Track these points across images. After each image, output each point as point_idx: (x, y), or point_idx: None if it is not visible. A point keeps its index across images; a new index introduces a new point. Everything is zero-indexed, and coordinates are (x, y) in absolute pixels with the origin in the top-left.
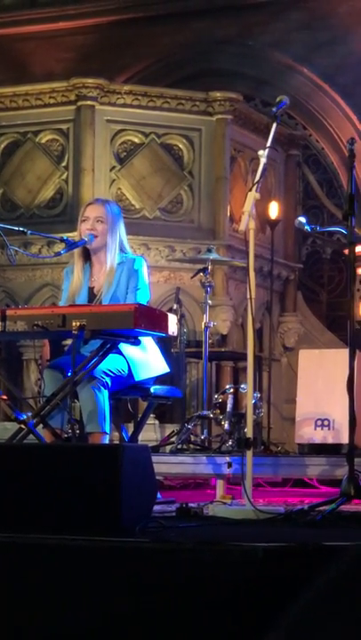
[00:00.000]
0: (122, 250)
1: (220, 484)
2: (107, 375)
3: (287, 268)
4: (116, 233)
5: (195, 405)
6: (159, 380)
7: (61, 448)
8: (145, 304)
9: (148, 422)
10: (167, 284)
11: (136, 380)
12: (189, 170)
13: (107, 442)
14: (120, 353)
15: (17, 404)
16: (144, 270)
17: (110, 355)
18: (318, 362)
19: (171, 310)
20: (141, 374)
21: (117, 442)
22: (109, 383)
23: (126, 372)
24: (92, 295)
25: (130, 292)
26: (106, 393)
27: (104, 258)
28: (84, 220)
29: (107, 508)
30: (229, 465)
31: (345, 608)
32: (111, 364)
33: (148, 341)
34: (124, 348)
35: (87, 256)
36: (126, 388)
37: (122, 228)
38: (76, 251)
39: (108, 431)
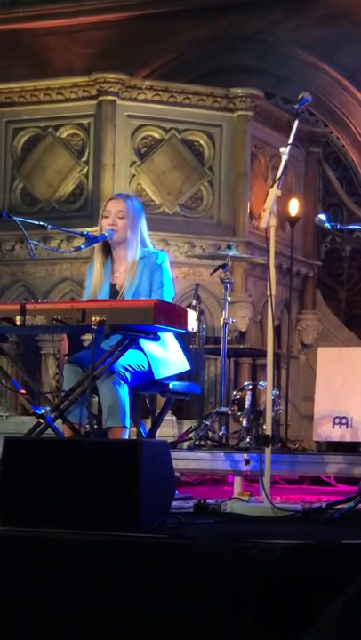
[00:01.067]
0: (143, 245)
1: (237, 481)
2: (127, 370)
3: (306, 265)
4: (137, 228)
5: (213, 402)
6: (178, 376)
7: (80, 443)
8: (171, 301)
9: (165, 418)
10: (186, 280)
11: (155, 377)
12: (210, 166)
13: (127, 436)
14: (141, 349)
15: (35, 398)
16: (167, 266)
17: (130, 350)
18: (337, 359)
19: (190, 306)
20: (161, 372)
21: (135, 437)
22: (129, 378)
23: (146, 368)
24: (114, 291)
25: (154, 289)
26: (126, 387)
27: (125, 253)
28: (105, 216)
29: (125, 503)
30: (247, 462)
31: None
32: (131, 359)
33: (169, 339)
34: (145, 344)
35: (108, 251)
36: (145, 384)
37: (143, 224)
38: (97, 246)
39: (128, 426)
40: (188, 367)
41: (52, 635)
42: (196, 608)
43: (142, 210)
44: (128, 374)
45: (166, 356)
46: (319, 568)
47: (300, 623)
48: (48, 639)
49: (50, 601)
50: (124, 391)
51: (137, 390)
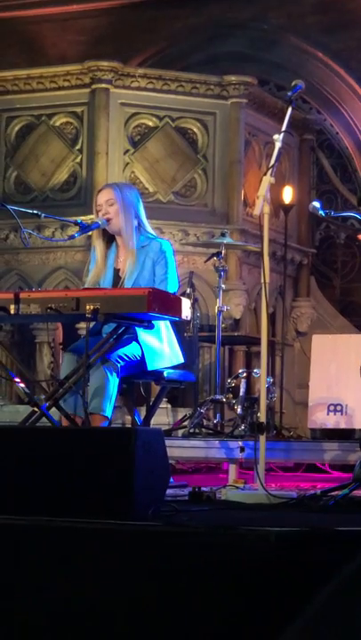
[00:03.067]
0: (144, 231)
1: (232, 469)
2: (121, 360)
3: (300, 252)
4: (129, 213)
5: (207, 390)
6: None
7: (75, 432)
8: (176, 292)
9: (160, 406)
10: (181, 268)
11: (148, 369)
12: (203, 154)
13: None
14: (136, 339)
15: (30, 386)
16: (171, 255)
17: (125, 340)
18: (331, 347)
19: (184, 294)
20: (154, 364)
21: (130, 425)
22: (119, 369)
23: (139, 358)
24: (117, 277)
25: (157, 280)
26: (116, 378)
27: (123, 240)
28: (98, 210)
29: (120, 491)
30: (242, 449)
31: None
32: (126, 349)
33: (165, 330)
34: (141, 335)
35: (112, 238)
36: (139, 373)
37: (140, 209)
38: (94, 234)
39: (109, 416)
40: (182, 360)
41: (46, 624)
42: (191, 596)
43: (138, 196)
44: (119, 365)
45: (161, 347)
46: (314, 555)
47: (295, 610)
48: (42, 629)
49: (44, 589)
50: (113, 381)
51: (131, 378)
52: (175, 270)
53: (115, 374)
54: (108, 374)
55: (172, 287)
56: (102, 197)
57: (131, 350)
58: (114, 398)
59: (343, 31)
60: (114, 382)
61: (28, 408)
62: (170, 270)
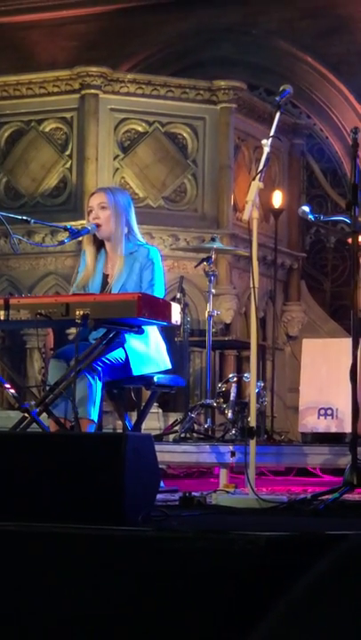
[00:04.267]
0: (134, 238)
1: (223, 473)
2: (102, 364)
3: (291, 256)
4: (120, 218)
5: (198, 394)
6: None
7: (64, 437)
8: (162, 298)
9: (151, 411)
10: (171, 273)
11: (133, 374)
12: (193, 159)
13: (93, 430)
14: (121, 344)
15: (20, 392)
16: (159, 262)
17: (113, 344)
18: (322, 351)
19: (174, 299)
20: (140, 369)
21: (120, 431)
22: (101, 372)
23: (123, 361)
24: (105, 282)
25: (144, 287)
26: (99, 382)
27: (113, 245)
28: (89, 212)
29: (110, 496)
30: (233, 454)
31: (334, 600)
32: (108, 353)
33: (153, 335)
34: (127, 340)
35: (101, 243)
36: (128, 378)
37: (132, 216)
38: (85, 239)
39: (95, 420)
40: (169, 366)
41: (36, 629)
42: (181, 600)
43: (128, 201)
44: (100, 368)
45: (147, 352)
46: (304, 559)
47: None
48: (33, 633)
49: (34, 595)
50: (96, 385)
51: (121, 384)
52: (162, 277)
53: (97, 378)
54: (90, 379)
55: (158, 294)
56: (95, 200)
57: (113, 354)
58: (98, 402)
59: (333, 36)
60: (97, 386)
61: (18, 414)
62: (157, 277)
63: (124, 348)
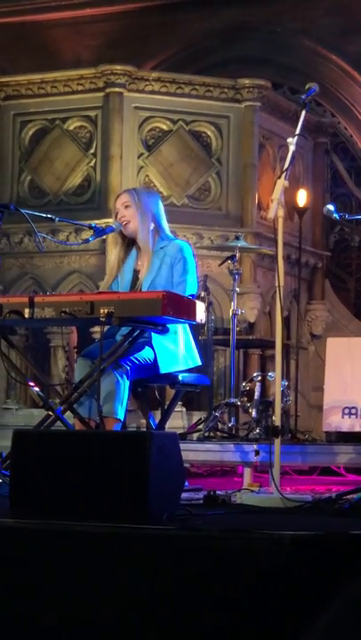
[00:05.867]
0: (162, 234)
1: (247, 472)
2: (131, 363)
3: (315, 255)
4: (146, 215)
5: (222, 393)
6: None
7: (90, 435)
8: (195, 294)
9: (175, 410)
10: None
11: (161, 372)
12: (217, 157)
13: (119, 429)
14: (149, 342)
15: (44, 390)
16: (191, 257)
17: (138, 343)
18: (346, 350)
19: (198, 298)
20: (168, 367)
21: (145, 429)
22: (129, 372)
23: (152, 361)
24: (135, 279)
25: (175, 282)
26: (126, 380)
27: (141, 242)
28: (116, 213)
29: (135, 495)
30: (257, 453)
31: None
32: (137, 352)
33: (181, 333)
34: (155, 338)
35: (132, 242)
36: (154, 377)
37: (159, 213)
38: (110, 237)
39: (121, 418)
40: (199, 363)
41: (61, 625)
42: (205, 599)
43: (157, 201)
44: (128, 367)
45: (175, 350)
46: (328, 559)
47: (310, 614)
48: (58, 629)
49: (60, 592)
50: (123, 383)
51: (146, 382)
52: (195, 272)
53: (125, 377)
54: (118, 377)
55: (190, 289)
56: (119, 201)
57: (142, 354)
58: (125, 401)
59: (357, 34)
60: (124, 385)
61: (42, 412)
62: (189, 272)
63: (151, 347)
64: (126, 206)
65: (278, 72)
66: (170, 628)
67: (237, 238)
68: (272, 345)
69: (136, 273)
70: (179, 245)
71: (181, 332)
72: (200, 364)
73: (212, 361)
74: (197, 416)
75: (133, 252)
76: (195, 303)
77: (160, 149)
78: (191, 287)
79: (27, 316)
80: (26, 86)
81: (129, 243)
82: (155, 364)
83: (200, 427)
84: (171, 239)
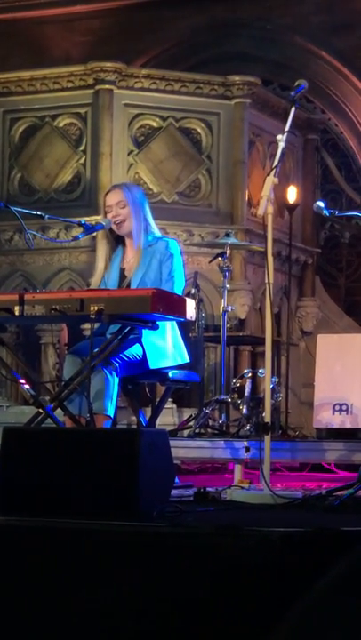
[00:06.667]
0: (150, 232)
1: (237, 469)
2: (120, 360)
3: (305, 252)
4: (140, 214)
5: (213, 390)
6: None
7: (79, 432)
8: (181, 292)
9: (165, 406)
10: (185, 269)
11: (150, 367)
12: (207, 154)
13: (109, 426)
14: (138, 339)
15: (35, 388)
16: (178, 255)
17: (128, 339)
18: (337, 346)
19: (189, 295)
20: (157, 362)
21: (135, 426)
22: (118, 369)
23: (141, 357)
24: (122, 277)
25: (164, 280)
26: (116, 378)
27: (132, 241)
28: (108, 211)
29: (124, 492)
30: (247, 449)
31: (352, 602)
32: (126, 349)
33: (170, 329)
34: (144, 334)
35: (120, 238)
36: (143, 373)
37: (147, 210)
38: (99, 235)
39: (111, 415)
40: (187, 360)
41: (52, 624)
42: (195, 596)
43: (144, 197)
44: (118, 364)
45: (164, 346)
46: (319, 555)
47: None
48: (49, 629)
49: (50, 590)
50: (113, 380)
51: (136, 379)
52: (182, 270)
53: (114, 374)
54: (108, 374)
55: (178, 287)
56: (112, 199)
57: (131, 350)
58: (115, 398)
59: (348, 31)
60: (114, 382)
61: (33, 409)
62: (176, 270)
63: (140, 344)
64: (122, 206)
65: (268, 69)
66: (159, 626)
67: (228, 235)
68: (262, 342)
69: (122, 271)
70: (167, 243)
71: (169, 328)
72: (188, 361)
73: (202, 358)
74: (188, 413)
75: (119, 249)
76: (185, 300)
77: (150, 146)
78: (179, 285)
79: (17, 313)
80: (16, 83)
81: (115, 239)
82: (144, 359)
83: (191, 423)
84: (158, 237)
